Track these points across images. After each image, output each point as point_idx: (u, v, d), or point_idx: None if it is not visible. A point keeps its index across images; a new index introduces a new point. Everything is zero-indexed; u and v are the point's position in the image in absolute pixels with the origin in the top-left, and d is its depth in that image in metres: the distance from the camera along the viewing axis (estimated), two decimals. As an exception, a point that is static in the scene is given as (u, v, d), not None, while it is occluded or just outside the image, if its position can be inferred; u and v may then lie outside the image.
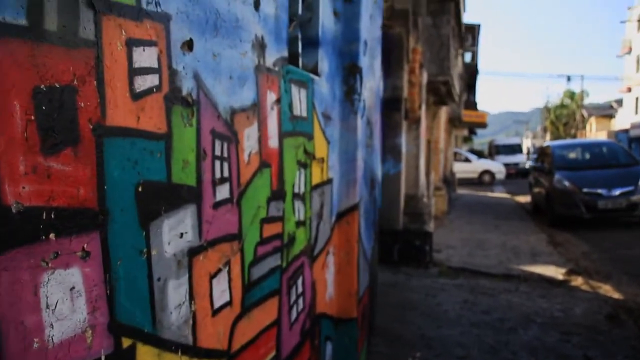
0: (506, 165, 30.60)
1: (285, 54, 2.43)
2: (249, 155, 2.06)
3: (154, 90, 1.46)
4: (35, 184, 1.07)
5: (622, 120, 46.52)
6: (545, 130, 63.35)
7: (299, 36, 2.79)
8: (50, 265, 1.11)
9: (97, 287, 1.25)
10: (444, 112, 16.39)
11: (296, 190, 2.63)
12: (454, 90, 12.37)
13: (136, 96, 1.38)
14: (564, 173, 12.59)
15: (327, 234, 3.18)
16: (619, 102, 48.36)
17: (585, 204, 11.80)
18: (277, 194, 2.35)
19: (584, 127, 51.28)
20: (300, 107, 2.63)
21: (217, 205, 1.81)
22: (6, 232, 1.01)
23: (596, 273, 7.93)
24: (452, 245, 9.77)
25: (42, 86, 1.08)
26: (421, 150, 8.79)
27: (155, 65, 1.46)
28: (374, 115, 3.87)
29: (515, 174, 31.64)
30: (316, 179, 2.97)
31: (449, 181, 17.96)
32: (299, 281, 2.67)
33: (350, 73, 3.42)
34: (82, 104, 1.19)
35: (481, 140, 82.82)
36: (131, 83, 1.36)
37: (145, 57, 1.41)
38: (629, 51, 46.66)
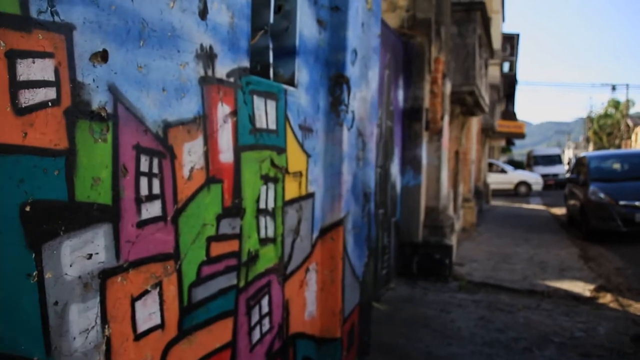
0: (544, 176, 29.86)
1: (246, 64, 2.34)
2: (190, 171, 1.96)
3: (49, 104, 1.38)
4: None
5: (669, 130, 44.99)
6: (588, 140, 61.76)
7: (270, 45, 2.69)
8: None
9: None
10: (475, 123, 16.06)
11: (262, 206, 2.52)
12: (483, 100, 12.09)
13: (21, 111, 1.30)
14: (599, 185, 12.15)
15: (306, 250, 3.06)
16: (666, 111, 46.82)
17: (622, 217, 11.34)
18: (232, 211, 2.25)
19: (629, 137, 49.76)
20: (266, 120, 2.53)
21: (142, 223, 1.72)
22: None
23: (628, 290, 7.56)
24: (476, 258, 9.49)
25: None
26: (443, 161, 8.57)
27: (51, 78, 1.38)
28: (367, 127, 3.74)
29: (555, 185, 30.86)
30: (292, 193, 2.86)
31: (481, 192, 17.58)
32: (264, 301, 2.56)
33: (336, 83, 3.31)
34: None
35: (521, 150, 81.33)
36: (14, 97, 1.28)
37: (36, 69, 1.33)
38: (677, 58, 45.16)
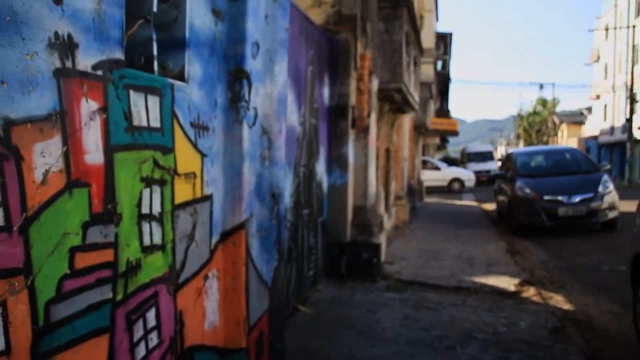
0: (477, 172, 30.58)
1: (118, 55, 2.13)
2: (44, 175, 1.74)
3: None
4: None
5: (592, 127, 47.10)
6: (518, 137, 63.86)
7: (154, 37, 2.48)
8: None
9: None
10: (407, 121, 16.19)
11: (144, 211, 2.31)
12: (412, 98, 12.14)
13: None
14: (525, 180, 12.46)
15: (204, 256, 2.86)
16: (589, 109, 48.93)
17: (546, 211, 11.67)
18: (103, 217, 2.03)
19: (556, 134, 51.77)
20: (147, 117, 2.33)
21: (-26, 235, 1.49)
22: None
23: (550, 283, 7.72)
24: (406, 256, 9.50)
25: None
26: (370, 159, 8.51)
27: None
28: (274, 124, 3.57)
29: (487, 181, 31.64)
30: (184, 196, 2.66)
31: (415, 190, 17.75)
32: (150, 313, 2.35)
33: (235, 78, 3.12)
34: None
35: (457, 148, 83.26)
36: None
37: None
38: (597, 59, 47.37)
